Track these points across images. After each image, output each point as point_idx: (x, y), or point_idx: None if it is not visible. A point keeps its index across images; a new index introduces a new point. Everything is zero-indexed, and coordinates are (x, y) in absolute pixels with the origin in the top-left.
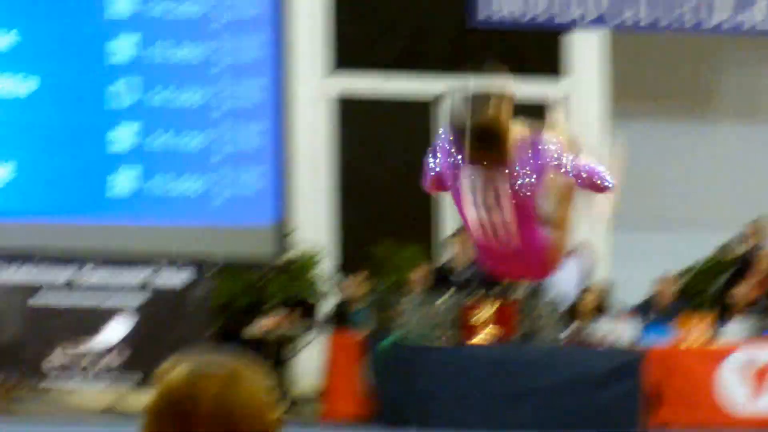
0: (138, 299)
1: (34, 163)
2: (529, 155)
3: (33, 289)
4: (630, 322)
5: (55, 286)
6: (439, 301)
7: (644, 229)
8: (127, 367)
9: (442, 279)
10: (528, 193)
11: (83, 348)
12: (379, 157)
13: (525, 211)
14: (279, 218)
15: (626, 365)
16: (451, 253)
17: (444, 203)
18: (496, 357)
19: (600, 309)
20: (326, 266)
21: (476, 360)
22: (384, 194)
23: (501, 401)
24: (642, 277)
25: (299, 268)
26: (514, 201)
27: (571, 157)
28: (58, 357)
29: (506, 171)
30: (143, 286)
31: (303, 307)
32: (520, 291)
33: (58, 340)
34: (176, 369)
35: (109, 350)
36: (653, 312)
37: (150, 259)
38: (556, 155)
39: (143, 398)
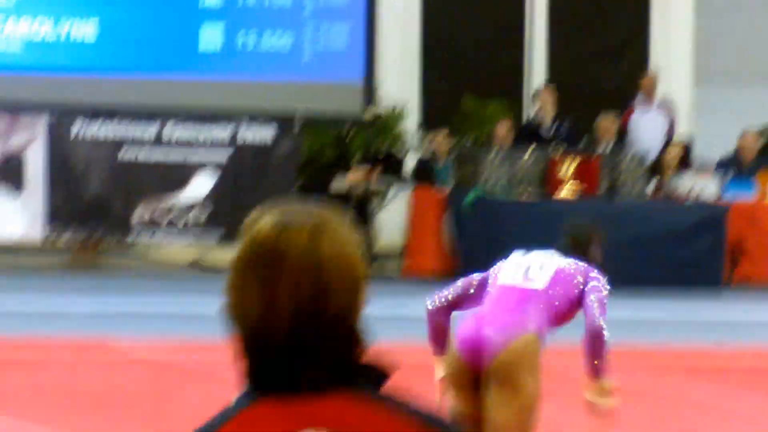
0: (224, 155)
1: (124, 18)
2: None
3: (119, 144)
4: (713, 176)
5: (141, 142)
6: (524, 156)
7: (727, 84)
8: (212, 222)
9: (527, 134)
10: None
11: (169, 203)
12: (465, 13)
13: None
14: (365, 74)
15: (710, 220)
16: (536, 107)
17: (534, 58)
18: (580, 211)
19: (683, 163)
20: (411, 121)
21: (560, 214)
22: (469, 50)
23: None
24: (725, 132)
25: (385, 123)
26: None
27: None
28: (144, 212)
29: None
30: (229, 142)
31: (388, 162)
32: (603, 146)
33: (144, 195)
34: (263, 220)
35: (195, 205)
36: (736, 167)
37: (236, 114)
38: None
39: (228, 253)
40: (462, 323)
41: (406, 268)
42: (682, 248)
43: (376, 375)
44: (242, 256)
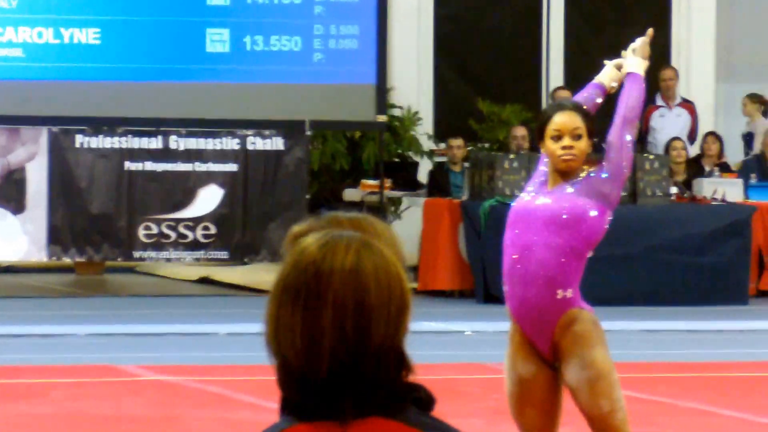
0: (233, 165)
1: (127, 23)
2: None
3: (124, 156)
4: (738, 177)
5: (147, 153)
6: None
7: (752, 80)
8: (221, 236)
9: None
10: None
11: (175, 216)
12: (480, 14)
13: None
14: (378, 76)
15: (736, 223)
16: None
17: (551, 61)
18: None
19: (707, 164)
20: (425, 126)
21: None
22: (485, 52)
23: (605, 264)
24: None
25: (400, 128)
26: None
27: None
28: (149, 227)
29: None
30: (238, 151)
31: (403, 169)
32: None
33: (150, 209)
34: (309, 237)
35: (202, 218)
36: (761, 167)
37: (244, 121)
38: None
39: (237, 269)
40: None
41: (421, 282)
42: (707, 254)
43: (421, 399)
44: (284, 280)
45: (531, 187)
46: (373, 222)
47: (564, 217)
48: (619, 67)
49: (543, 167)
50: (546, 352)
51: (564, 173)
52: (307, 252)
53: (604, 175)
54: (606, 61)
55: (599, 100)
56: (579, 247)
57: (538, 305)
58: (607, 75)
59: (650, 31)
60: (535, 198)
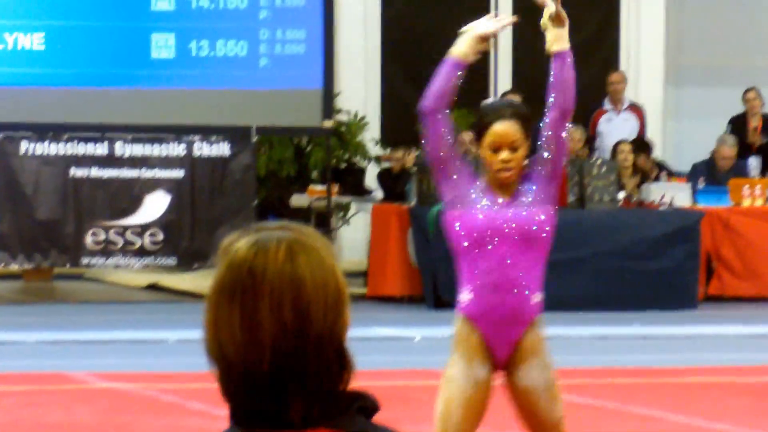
0: (179, 171)
1: (72, 27)
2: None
3: (69, 162)
4: (687, 182)
5: (92, 159)
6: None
7: (702, 84)
8: (169, 242)
9: None
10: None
11: (123, 223)
12: (428, 17)
13: None
14: (324, 81)
15: (684, 229)
16: None
17: (499, 64)
18: None
19: (655, 168)
20: (373, 131)
21: None
22: (432, 56)
23: (553, 269)
24: (699, 135)
25: (346, 133)
26: None
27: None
28: (97, 233)
29: None
30: (184, 157)
31: (350, 175)
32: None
33: (97, 216)
34: (239, 242)
35: (150, 225)
36: (710, 172)
37: (190, 127)
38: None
39: (185, 275)
40: None
41: (370, 288)
42: (655, 260)
43: (367, 408)
44: (219, 282)
45: (474, 193)
46: (300, 226)
47: (534, 228)
48: (484, 38)
49: (467, 169)
50: (504, 357)
51: (498, 182)
52: (239, 253)
53: (547, 178)
54: (463, 29)
55: (459, 81)
56: (545, 253)
57: (514, 311)
58: (468, 47)
59: None
60: (500, 210)
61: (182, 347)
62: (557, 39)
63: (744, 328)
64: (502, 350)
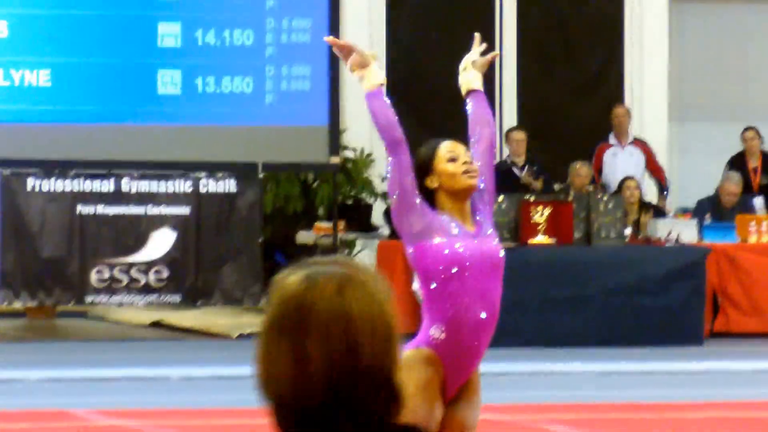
0: (185, 208)
1: (79, 64)
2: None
3: (77, 199)
4: (692, 218)
5: (99, 196)
6: (498, 199)
7: (705, 120)
8: (174, 279)
9: (500, 176)
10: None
11: (128, 260)
12: (433, 55)
13: None
14: (330, 117)
15: (690, 265)
16: (509, 149)
17: (504, 101)
18: (554, 259)
19: (660, 205)
20: (379, 168)
21: (534, 264)
22: (438, 94)
23: (559, 305)
24: (703, 171)
25: (353, 169)
26: None
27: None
28: (101, 271)
29: None
30: (190, 194)
31: (357, 211)
32: (576, 192)
33: (102, 253)
34: (290, 277)
35: (155, 262)
36: (715, 208)
37: (196, 163)
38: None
39: (189, 312)
40: None
41: None
42: (661, 296)
43: None
44: (270, 317)
45: (445, 222)
46: (352, 261)
47: (501, 256)
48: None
49: (424, 207)
50: (453, 393)
51: (466, 193)
52: (289, 288)
53: (489, 206)
54: (462, 67)
55: (389, 103)
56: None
57: (482, 348)
58: (374, 75)
59: (477, 35)
60: (474, 242)
61: (185, 384)
62: (475, 79)
63: (750, 364)
64: (455, 386)
